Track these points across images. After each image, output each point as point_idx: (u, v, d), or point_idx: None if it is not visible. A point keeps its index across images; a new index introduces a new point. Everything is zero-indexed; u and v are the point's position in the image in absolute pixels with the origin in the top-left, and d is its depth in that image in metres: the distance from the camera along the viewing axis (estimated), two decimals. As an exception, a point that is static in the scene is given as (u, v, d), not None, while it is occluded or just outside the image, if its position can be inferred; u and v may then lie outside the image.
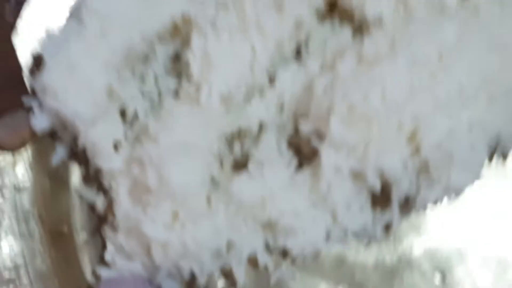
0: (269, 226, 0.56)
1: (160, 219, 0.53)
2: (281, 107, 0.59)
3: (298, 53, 0.60)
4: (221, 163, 0.56)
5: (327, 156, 0.54)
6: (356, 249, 0.60)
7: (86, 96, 0.56)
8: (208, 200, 0.54)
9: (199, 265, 0.55)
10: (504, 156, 0.60)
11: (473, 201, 0.60)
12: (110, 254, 0.57)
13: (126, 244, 0.56)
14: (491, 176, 0.58)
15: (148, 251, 0.55)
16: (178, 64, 0.61)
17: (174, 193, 0.52)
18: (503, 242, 0.59)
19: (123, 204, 0.55)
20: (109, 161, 0.56)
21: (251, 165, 0.55)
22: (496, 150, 0.58)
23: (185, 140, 0.53)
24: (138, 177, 0.54)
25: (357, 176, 0.55)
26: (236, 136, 0.59)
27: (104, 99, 0.57)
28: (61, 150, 0.61)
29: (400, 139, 0.53)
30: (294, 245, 0.57)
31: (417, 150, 0.54)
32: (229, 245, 0.55)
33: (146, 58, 0.60)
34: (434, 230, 0.61)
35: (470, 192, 0.56)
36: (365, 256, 0.60)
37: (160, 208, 0.53)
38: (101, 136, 0.57)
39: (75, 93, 0.56)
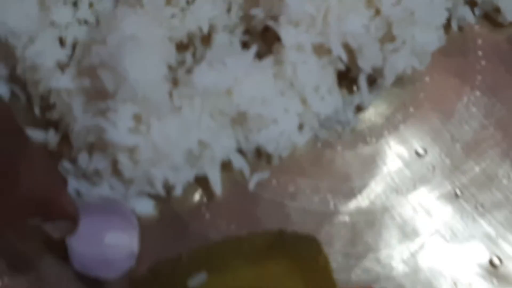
0: (239, 121, 0.51)
1: (123, 124, 0.47)
2: (228, 6, 0.56)
3: None
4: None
5: (287, 34, 0.51)
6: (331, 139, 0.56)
7: (19, 8, 0.50)
8: (171, 96, 0.49)
9: (174, 173, 0.49)
10: (460, 26, 0.59)
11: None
12: (73, 187, 0.51)
13: (89, 167, 0.49)
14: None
15: (115, 166, 0.49)
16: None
17: (134, 93, 0.46)
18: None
19: (80, 121, 0.49)
20: (56, 82, 0.50)
21: (208, 57, 0.50)
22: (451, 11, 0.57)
23: (134, 36, 0.48)
24: (91, 86, 0.49)
25: (320, 50, 0.52)
26: (187, 42, 0.55)
27: (37, 11, 0.52)
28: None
29: (359, 2, 0.52)
30: (268, 140, 0.53)
31: (377, 12, 0.52)
32: (201, 146, 0.50)
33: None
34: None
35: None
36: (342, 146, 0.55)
37: (122, 112, 0.47)
38: (42, 56, 0.51)
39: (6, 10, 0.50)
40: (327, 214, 0.53)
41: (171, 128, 0.48)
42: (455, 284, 0.51)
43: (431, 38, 0.54)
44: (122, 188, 0.51)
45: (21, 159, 0.38)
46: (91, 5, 0.56)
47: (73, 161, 0.51)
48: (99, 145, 0.49)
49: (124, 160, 0.49)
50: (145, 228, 0.51)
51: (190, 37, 0.55)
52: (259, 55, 0.53)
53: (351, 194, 0.54)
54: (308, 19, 0.51)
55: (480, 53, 0.59)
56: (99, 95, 0.49)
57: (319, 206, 0.53)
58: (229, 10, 0.56)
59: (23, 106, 0.56)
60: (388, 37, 0.53)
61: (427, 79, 0.58)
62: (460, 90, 0.58)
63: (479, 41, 0.60)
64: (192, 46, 0.56)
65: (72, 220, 0.44)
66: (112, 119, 0.48)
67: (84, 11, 0.55)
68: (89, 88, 0.49)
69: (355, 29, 0.51)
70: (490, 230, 0.52)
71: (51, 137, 0.53)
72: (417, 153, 0.55)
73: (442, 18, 0.55)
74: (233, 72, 0.50)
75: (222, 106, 0.51)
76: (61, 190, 0.43)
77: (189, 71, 0.51)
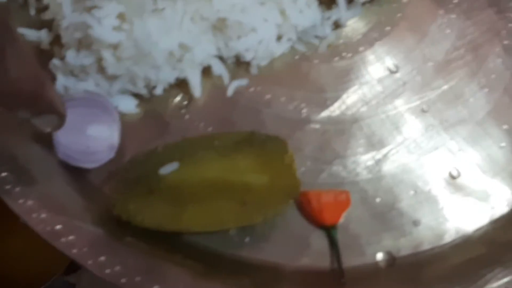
0: (219, 27, 0.52)
1: (107, 22, 0.48)
2: None
3: None
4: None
5: None
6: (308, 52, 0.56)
7: None
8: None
9: (155, 72, 0.50)
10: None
11: None
12: (61, 83, 0.52)
13: (76, 63, 0.50)
14: None
15: (99, 63, 0.50)
16: None
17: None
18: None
19: (69, 17, 0.50)
20: None
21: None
22: None
23: None
24: None
25: None
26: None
27: None
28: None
29: None
30: (247, 48, 0.53)
31: None
32: (182, 48, 0.50)
33: None
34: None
35: None
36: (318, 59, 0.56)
37: (106, 10, 0.48)
38: None
39: None
40: (300, 121, 0.54)
41: (153, 28, 0.49)
42: (415, 191, 0.51)
43: None
44: (106, 84, 0.52)
45: (8, 52, 0.38)
46: None
47: (62, 58, 0.52)
48: (85, 42, 0.50)
49: (108, 57, 0.50)
50: (128, 125, 0.53)
51: None
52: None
53: (324, 104, 0.54)
54: None
55: None
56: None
57: (293, 114, 0.54)
58: None
59: (20, 7, 0.56)
60: None
61: (404, 0, 0.57)
62: (436, 12, 0.57)
63: None
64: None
65: (59, 115, 0.44)
66: (97, 16, 0.48)
67: None
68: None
69: None
70: (452, 144, 0.53)
71: (44, 36, 0.54)
72: (390, 70, 0.55)
73: None
74: None
75: (203, 11, 0.51)
76: (48, 86, 0.44)
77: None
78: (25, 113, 0.42)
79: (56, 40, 0.53)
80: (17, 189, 0.46)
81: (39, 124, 0.44)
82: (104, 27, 0.49)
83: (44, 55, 0.54)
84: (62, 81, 0.52)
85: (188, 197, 0.46)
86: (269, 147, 0.48)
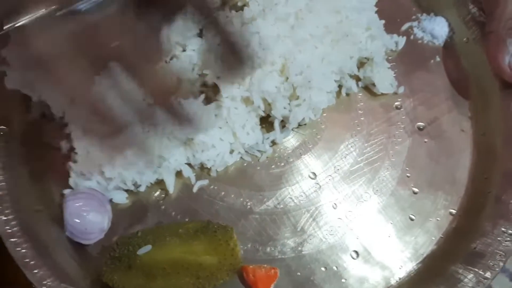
0: (189, 144, 0.57)
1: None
2: (192, 67, 0.59)
3: (201, 32, 0.61)
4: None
5: (225, 90, 0.55)
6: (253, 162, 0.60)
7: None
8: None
9: (139, 176, 0.54)
10: (347, 93, 0.63)
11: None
12: (72, 180, 0.56)
13: (84, 168, 0.55)
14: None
15: (100, 169, 0.54)
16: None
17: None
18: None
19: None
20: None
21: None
22: (341, 83, 0.60)
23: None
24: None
25: (247, 101, 0.58)
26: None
27: None
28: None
29: (274, 71, 0.55)
30: (208, 158, 0.57)
31: (286, 79, 0.56)
32: (161, 158, 0.54)
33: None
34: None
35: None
36: (260, 167, 0.59)
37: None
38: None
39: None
40: (244, 212, 0.58)
41: (140, 147, 0.53)
42: (325, 268, 0.55)
43: (322, 99, 0.59)
44: (104, 183, 0.57)
45: None
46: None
47: (76, 162, 0.56)
48: (91, 156, 0.55)
49: (106, 165, 0.53)
50: (119, 212, 0.57)
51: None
52: (207, 100, 0.58)
53: (262, 200, 0.59)
54: (239, 80, 0.56)
55: (360, 112, 0.64)
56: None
57: (240, 206, 0.58)
58: (192, 69, 0.60)
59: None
60: (293, 96, 0.58)
61: (322, 126, 0.63)
62: (344, 136, 0.62)
63: (360, 104, 0.64)
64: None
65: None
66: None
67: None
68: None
69: (270, 89, 0.56)
70: (354, 232, 0.56)
71: (64, 146, 0.59)
72: (310, 176, 0.59)
73: (331, 86, 0.60)
74: (187, 111, 0.54)
75: (176, 133, 0.56)
76: None
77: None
78: None
79: (71, 148, 0.57)
80: (33, 262, 0.49)
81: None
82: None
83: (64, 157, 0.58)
84: (74, 179, 0.56)
85: (157, 272, 0.50)
86: (219, 235, 0.52)
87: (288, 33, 0.56)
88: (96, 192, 0.55)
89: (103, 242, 0.55)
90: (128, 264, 0.50)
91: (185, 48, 0.61)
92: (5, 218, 0.53)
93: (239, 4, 0.62)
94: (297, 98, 0.58)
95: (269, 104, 0.58)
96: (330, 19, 0.59)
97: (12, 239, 0.51)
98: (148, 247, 0.51)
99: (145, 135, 0.54)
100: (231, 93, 0.56)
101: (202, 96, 0.57)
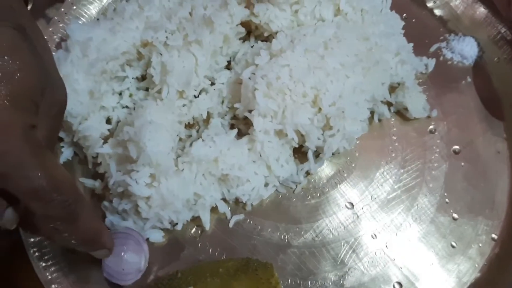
0: (223, 179, 0.55)
1: (142, 181, 0.52)
2: (222, 100, 0.58)
3: (229, 64, 0.61)
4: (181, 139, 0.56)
5: (257, 123, 0.56)
6: (288, 193, 0.58)
7: (74, 98, 0.54)
8: (176, 163, 0.53)
9: (176, 215, 0.53)
10: (380, 119, 0.62)
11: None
12: (108, 219, 0.55)
13: (119, 207, 0.54)
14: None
15: (136, 208, 0.53)
16: (145, 82, 0.60)
17: (150, 160, 0.51)
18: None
19: (115, 176, 0.53)
20: (100, 148, 0.54)
21: (204, 136, 0.54)
22: (374, 109, 0.59)
23: (153, 121, 0.52)
24: (122, 154, 0.52)
25: (280, 134, 0.57)
26: (192, 123, 0.59)
27: (87, 100, 0.56)
28: (66, 151, 0.58)
29: (306, 103, 0.54)
30: (243, 193, 0.56)
31: (319, 110, 0.55)
32: (196, 196, 0.53)
33: (122, 79, 0.59)
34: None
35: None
36: (295, 198, 0.58)
37: (141, 173, 0.52)
38: (91, 129, 0.55)
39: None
40: (283, 246, 0.57)
41: (175, 184, 0.53)
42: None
43: (356, 128, 0.57)
44: (141, 223, 0.56)
45: (80, 210, 0.42)
46: (130, 95, 0.61)
47: (110, 202, 0.55)
48: (126, 193, 0.54)
49: (142, 205, 0.54)
50: (156, 250, 0.56)
51: (195, 119, 0.59)
52: (239, 135, 0.58)
53: (300, 233, 0.57)
54: (272, 113, 0.55)
55: (394, 137, 0.62)
56: (127, 160, 0.53)
57: (277, 241, 0.57)
58: (222, 102, 0.60)
59: (80, 161, 0.60)
60: (327, 127, 0.57)
61: (356, 154, 0.61)
62: (379, 163, 0.61)
63: (394, 129, 0.63)
64: (197, 125, 0.60)
65: (109, 249, 0.49)
66: (134, 177, 0.52)
67: (126, 99, 0.61)
68: (121, 154, 0.54)
69: (303, 121, 0.55)
70: (396, 262, 0.54)
71: (97, 185, 0.58)
72: (347, 206, 0.58)
73: (365, 115, 0.58)
74: (220, 147, 0.54)
75: (211, 170, 0.55)
76: (104, 231, 0.48)
77: (190, 145, 0.55)
78: (86, 249, 0.45)
79: (107, 187, 0.57)
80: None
81: (94, 254, 0.49)
82: (140, 185, 0.52)
83: (97, 198, 0.58)
84: (110, 218, 0.56)
85: (199, 314, 0.48)
86: (260, 273, 0.51)
87: (318, 64, 0.55)
88: (133, 232, 0.54)
89: (140, 282, 0.54)
90: (170, 306, 0.49)
91: (213, 81, 0.61)
92: (44, 264, 0.52)
93: (265, 34, 0.62)
94: (331, 128, 0.56)
95: (303, 136, 0.56)
96: (360, 47, 0.58)
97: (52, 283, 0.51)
98: (190, 288, 0.50)
99: (179, 173, 0.53)
100: (264, 126, 0.55)
101: (235, 131, 0.57)
